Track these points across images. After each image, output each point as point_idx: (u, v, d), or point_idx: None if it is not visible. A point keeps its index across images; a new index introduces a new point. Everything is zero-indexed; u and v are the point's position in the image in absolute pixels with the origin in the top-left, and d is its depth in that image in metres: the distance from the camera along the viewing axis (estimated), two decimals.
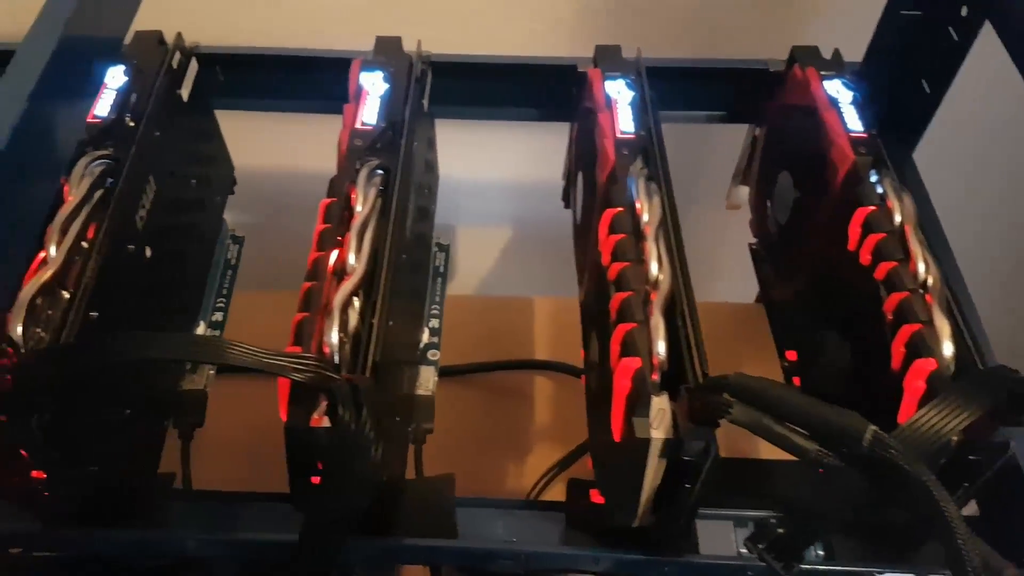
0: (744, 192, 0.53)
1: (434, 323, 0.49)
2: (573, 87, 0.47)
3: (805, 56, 0.44)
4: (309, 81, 0.50)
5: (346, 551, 0.36)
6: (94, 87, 0.38)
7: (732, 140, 0.53)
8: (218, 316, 0.48)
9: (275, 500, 0.38)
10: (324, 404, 0.29)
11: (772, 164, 0.47)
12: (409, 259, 0.41)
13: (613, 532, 0.37)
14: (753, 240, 0.51)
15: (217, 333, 0.47)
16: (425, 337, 0.47)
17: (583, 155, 0.45)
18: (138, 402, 0.38)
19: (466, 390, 0.61)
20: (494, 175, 0.76)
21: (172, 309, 0.44)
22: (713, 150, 0.68)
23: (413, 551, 0.36)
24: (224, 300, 0.49)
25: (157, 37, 0.45)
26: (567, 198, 0.54)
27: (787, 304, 0.45)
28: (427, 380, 0.45)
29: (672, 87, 0.47)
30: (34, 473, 0.34)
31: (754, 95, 0.49)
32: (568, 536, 0.38)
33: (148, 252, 0.39)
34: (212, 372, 0.45)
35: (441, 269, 0.52)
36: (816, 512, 0.28)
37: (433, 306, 0.49)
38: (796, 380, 0.44)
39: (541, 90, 0.49)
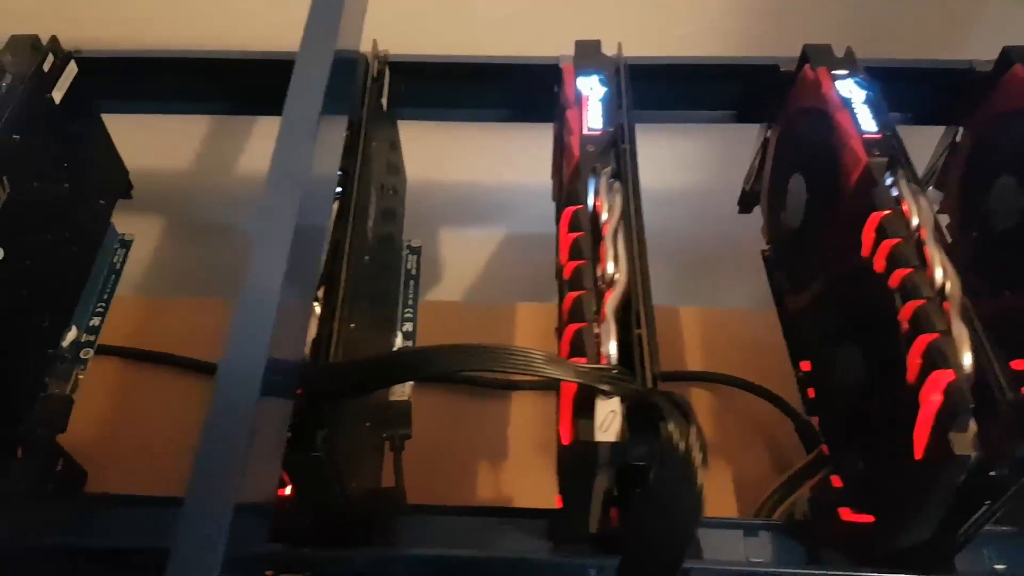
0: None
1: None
2: (773, 88, 0.45)
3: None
4: (483, 89, 0.49)
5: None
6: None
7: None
8: (408, 326, 0.47)
9: (501, 515, 0.37)
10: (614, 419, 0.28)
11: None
12: None
13: (864, 551, 0.36)
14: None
15: (410, 343, 0.46)
16: None
17: (800, 156, 0.43)
18: (373, 415, 0.37)
19: None
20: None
21: (381, 320, 0.43)
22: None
23: None
24: (411, 310, 0.48)
25: None
26: (745, 202, 0.52)
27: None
28: None
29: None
30: (279, 492, 0.33)
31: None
32: (817, 556, 0.36)
33: (370, 262, 0.39)
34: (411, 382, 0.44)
35: None
36: None
37: None
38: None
39: (735, 91, 0.47)
